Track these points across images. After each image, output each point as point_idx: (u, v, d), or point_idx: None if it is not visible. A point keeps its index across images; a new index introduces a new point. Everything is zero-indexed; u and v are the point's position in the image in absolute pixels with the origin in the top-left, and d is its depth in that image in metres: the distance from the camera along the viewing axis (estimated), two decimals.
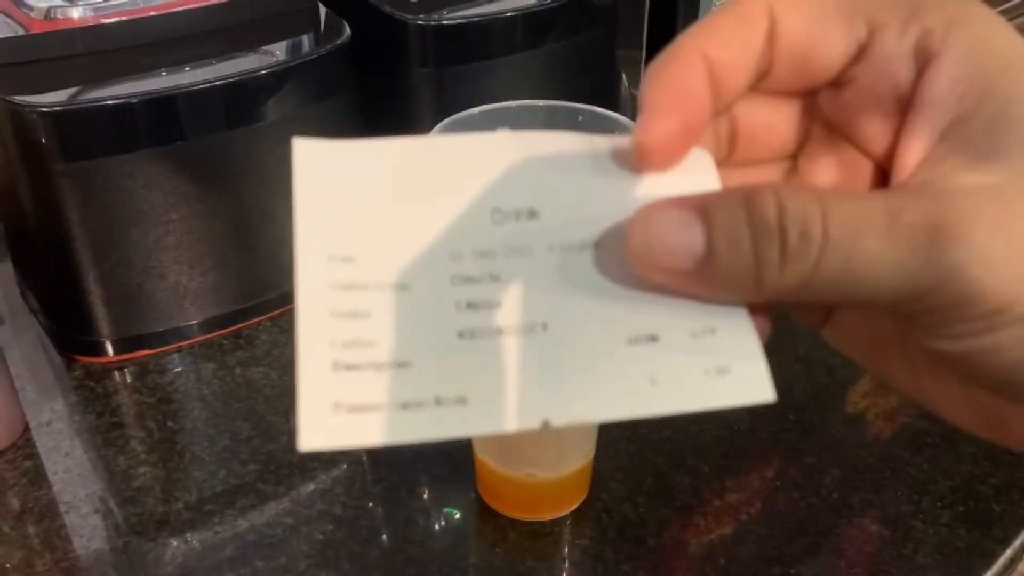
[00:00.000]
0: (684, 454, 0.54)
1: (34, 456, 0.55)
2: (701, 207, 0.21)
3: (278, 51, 0.64)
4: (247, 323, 0.66)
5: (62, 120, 0.55)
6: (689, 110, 0.23)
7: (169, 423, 0.58)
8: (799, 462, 0.54)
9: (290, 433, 0.56)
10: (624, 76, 0.89)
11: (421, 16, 0.69)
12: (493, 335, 0.23)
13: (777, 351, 0.55)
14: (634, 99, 0.92)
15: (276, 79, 0.61)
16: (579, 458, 0.49)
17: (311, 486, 0.53)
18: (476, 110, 0.45)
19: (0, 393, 0.54)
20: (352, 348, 0.22)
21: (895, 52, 0.23)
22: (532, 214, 0.24)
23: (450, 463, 0.54)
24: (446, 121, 0.45)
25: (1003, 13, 1.05)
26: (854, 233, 0.20)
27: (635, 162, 0.24)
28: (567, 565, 0.48)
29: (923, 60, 0.22)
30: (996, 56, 0.22)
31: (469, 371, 0.22)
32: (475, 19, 0.70)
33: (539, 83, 0.74)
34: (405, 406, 0.22)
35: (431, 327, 0.23)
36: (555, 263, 0.23)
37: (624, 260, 0.22)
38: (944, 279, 0.20)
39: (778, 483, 0.52)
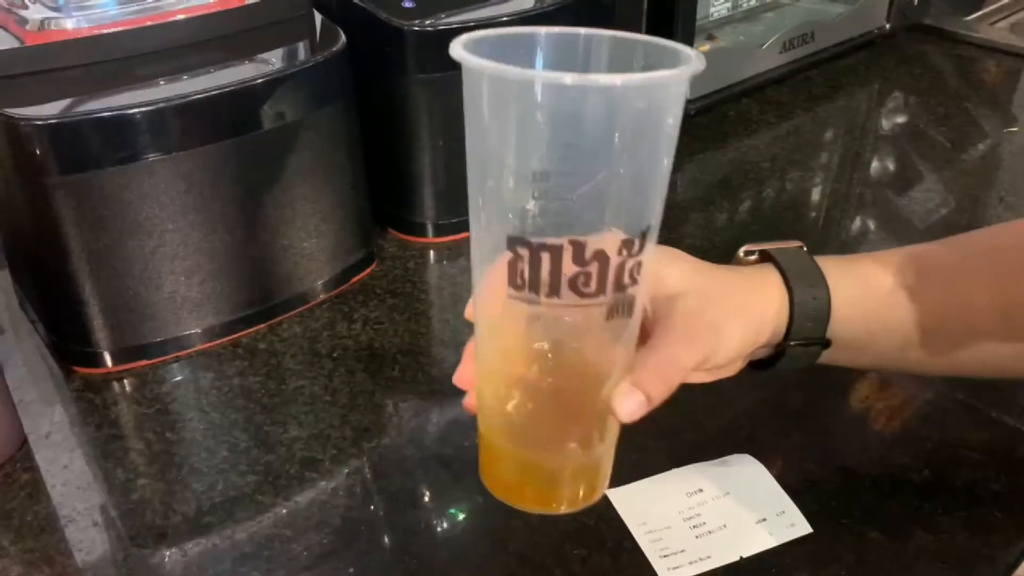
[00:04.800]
0: (684, 459, 0.54)
1: (33, 469, 0.55)
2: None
3: (274, 59, 0.64)
4: (245, 332, 0.66)
5: (57, 133, 0.55)
6: None
7: (168, 434, 0.58)
8: (800, 468, 0.54)
9: (288, 443, 0.56)
10: None
11: (416, 22, 0.68)
12: None
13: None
14: None
15: (272, 87, 0.61)
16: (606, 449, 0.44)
17: (310, 496, 0.53)
18: (511, 30, 0.39)
19: None
20: None
21: None
22: None
23: (451, 472, 0.54)
24: (472, 36, 0.37)
25: (998, 11, 1.03)
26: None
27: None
28: None
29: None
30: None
31: None
32: (471, 24, 0.70)
33: None
34: None
35: None
36: None
37: None
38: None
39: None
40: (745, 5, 1.04)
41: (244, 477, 0.54)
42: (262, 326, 0.67)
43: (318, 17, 0.68)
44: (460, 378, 0.42)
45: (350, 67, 0.66)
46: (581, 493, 0.43)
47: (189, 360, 0.64)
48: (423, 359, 0.64)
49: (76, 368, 0.63)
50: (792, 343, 0.47)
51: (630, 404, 0.39)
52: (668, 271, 0.44)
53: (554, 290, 0.36)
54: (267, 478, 0.54)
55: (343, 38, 0.65)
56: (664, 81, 0.34)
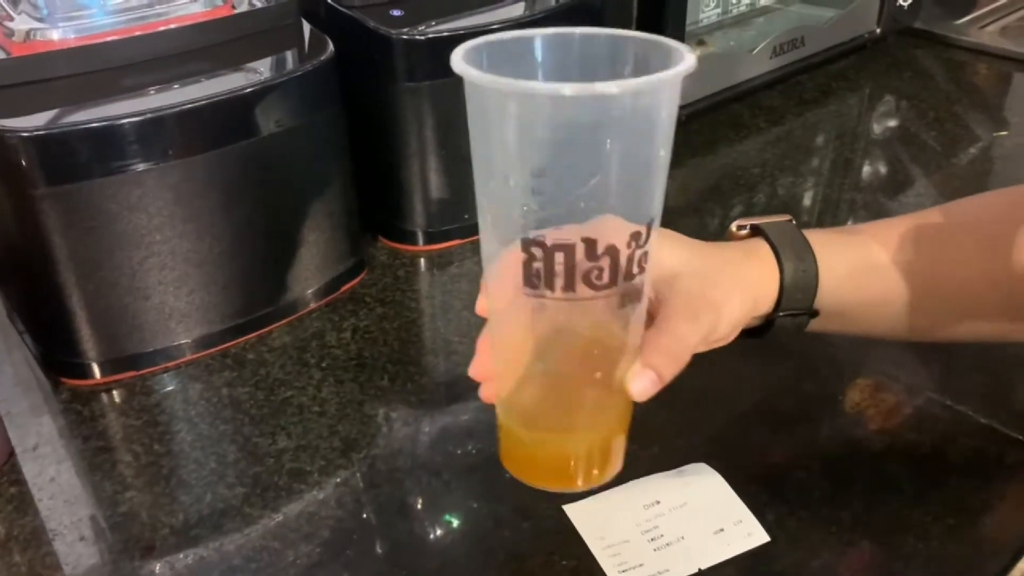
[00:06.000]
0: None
1: (20, 482, 0.55)
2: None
3: (262, 68, 0.63)
4: (234, 342, 0.66)
5: (44, 144, 0.55)
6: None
7: (156, 446, 0.57)
8: (788, 475, 0.54)
9: (276, 455, 0.56)
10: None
11: (405, 30, 0.68)
12: None
13: (766, 364, 0.55)
14: None
15: (260, 97, 0.61)
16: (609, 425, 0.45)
17: (298, 508, 0.53)
18: (507, 34, 0.40)
19: None
20: None
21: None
22: None
23: (441, 481, 0.54)
24: (470, 44, 0.38)
25: (988, 15, 1.04)
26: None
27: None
28: None
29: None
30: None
31: None
32: (459, 32, 0.69)
33: None
34: None
35: None
36: None
37: None
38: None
39: (766, 498, 0.52)
40: (735, 10, 1.04)
41: (232, 489, 0.54)
42: (251, 336, 0.66)
43: (306, 26, 0.68)
44: (476, 370, 0.44)
45: (339, 76, 0.66)
46: (597, 471, 0.45)
47: (178, 371, 0.63)
48: (412, 368, 0.64)
49: (64, 379, 0.63)
50: (781, 314, 0.50)
51: (642, 383, 0.42)
52: (665, 252, 0.45)
53: (569, 285, 0.38)
54: (255, 490, 0.54)
55: (331, 47, 0.65)
56: (658, 85, 0.36)
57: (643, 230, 0.38)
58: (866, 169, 0.93)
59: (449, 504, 0.53)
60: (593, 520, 0.50)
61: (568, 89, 0.34)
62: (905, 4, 1.13)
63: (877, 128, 1.01)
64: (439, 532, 0.52)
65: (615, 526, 0.50)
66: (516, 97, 0.35)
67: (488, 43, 0.39)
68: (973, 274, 0.51)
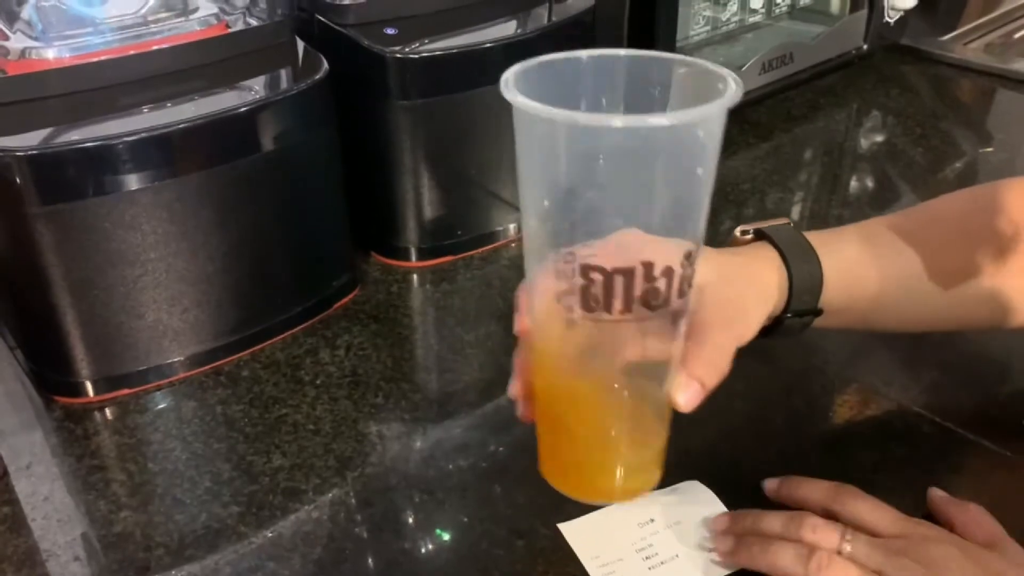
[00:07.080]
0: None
1: (13, 502, 0.55)
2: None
3: (257, 87, 0.64)
4: (228, 359, 0.66)
5: (37, 163, 0.55)
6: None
7: (150, 465, 0.57)
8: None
9: (271, 473, 0.56)
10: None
11: (398, 48, 0.69)
12: None
13: (757, 380, 0.55)
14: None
15: (255, 115, 0.61)
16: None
17: (293, 528, 0.53)
18: (547, 57, 0.41)
19: None
20: None
21: None
22: None
23: (435, 500, 0.54)
24: (520, 67, 0.40)
25: (1003, 17, 1.04)
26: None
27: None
28: None
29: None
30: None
31: None
32: (452, 51, 0.70)
33: None
34: None
35: None
36: None
37: None
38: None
39: None
40: (724, 27, 1.05)
41: (227, 508, 0.54)
42: (245, 353, 0.66)
43: (301, 44, 0.68)
44: (516, 390, 0.46)
45: (333, 94, 0.66)
46: (639, 483, 0.47)
47: (171, 389, 0.63)
48: (406, 385, 0.64)
49: (57, 397, 0.63)
50: (789, 315, 0.51)
51: (688, 394, 0.43)
52: None
53: (627, 307, 0.39)
54: (250, 509, 0.54)
55: (325, 65, 0.65)
56: (708, 115, 0.37)
57: (694, 249, 0.39)
58: (853, 184, 0.93)
59: (443, 522, 0.53)
60: (588, 539, 0.51)
61: (618, 121, 0.35)
62: (892, 21, 1.14)
63: (864, 144, 1.02)
64: (433, 550, 0.52)
65: (609, 544, 0.50)
66: (566, 127, 0.36)
67: (537, 65, 0.40)
68: (956, 262, 0.54)
